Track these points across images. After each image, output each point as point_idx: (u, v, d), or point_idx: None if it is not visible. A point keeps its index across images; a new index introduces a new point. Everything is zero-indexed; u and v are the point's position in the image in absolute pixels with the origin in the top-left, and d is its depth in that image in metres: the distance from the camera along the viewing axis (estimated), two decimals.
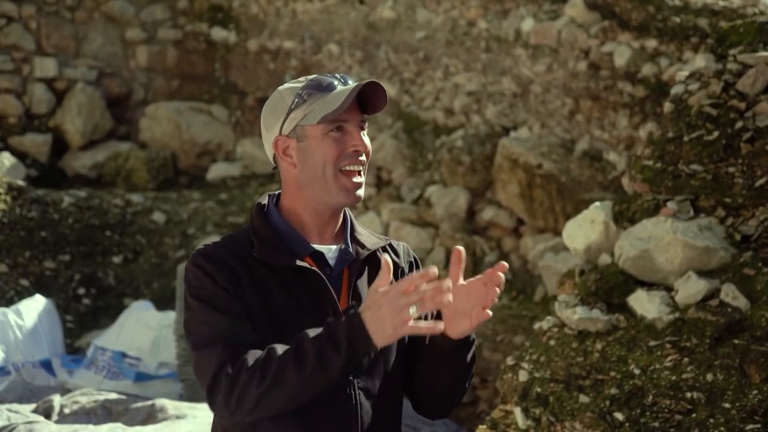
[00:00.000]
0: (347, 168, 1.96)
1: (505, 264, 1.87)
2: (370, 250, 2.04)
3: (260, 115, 2.08)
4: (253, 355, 1.83)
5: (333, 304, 1.96)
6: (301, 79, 2.00)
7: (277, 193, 2.10)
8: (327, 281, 1.96)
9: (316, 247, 2.00)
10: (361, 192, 1.99)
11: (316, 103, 1.94)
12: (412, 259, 2.15)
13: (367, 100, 1.97)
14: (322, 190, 1.96)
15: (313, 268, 1.96)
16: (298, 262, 1.95)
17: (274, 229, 2.01)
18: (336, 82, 1.97)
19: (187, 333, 1.93)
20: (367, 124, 2.01)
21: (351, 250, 2.02)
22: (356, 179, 1.97)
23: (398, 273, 2.10)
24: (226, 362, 1.82)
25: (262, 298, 1.93)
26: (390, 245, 2.13)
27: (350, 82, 1.99)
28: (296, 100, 1.96)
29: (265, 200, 2.06)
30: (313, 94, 1.95)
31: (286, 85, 2.00)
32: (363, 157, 1.98)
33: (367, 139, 1.99)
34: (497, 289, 1.85)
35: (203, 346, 1.87)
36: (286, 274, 1.96)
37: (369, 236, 2.09)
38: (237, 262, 1.93)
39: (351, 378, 1.96)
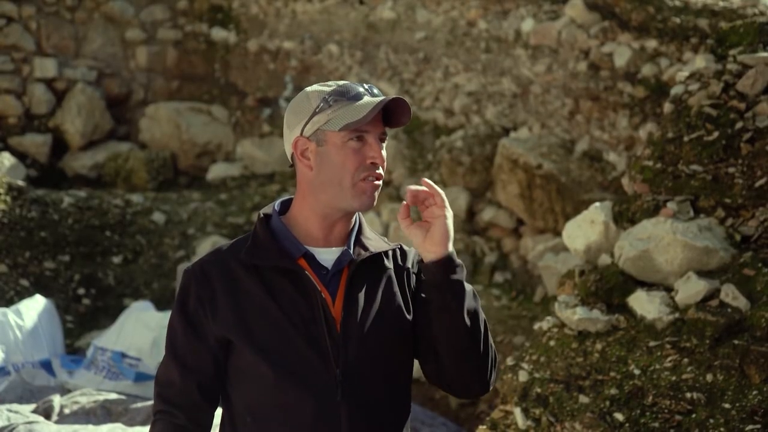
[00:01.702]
0: (365, 178, 1.97)
1: (411, 187, 1.95)
2: (371, 253, 2.04)
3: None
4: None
5: (323, 304, 1.96)
6: (330, 83, 2.02)
7: (286, 198, 2.12)
8: (315, 281, 1.97)
9: (312, 249, 2.01)
10: (375, 195, 2.00)
11: (340, 110, 1.96)
12: (419, 258, 2.14)
13: (391, 114, 1.99)
14: (336, 196, 1.98)
15: (302, 268, 1.97)
16: (284, 263, 1.97)
17: (270, 233, 2.02)
18: (363, 92, 1.98)
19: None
20: (387, 136, 2.02)
21: (352, 252, 2.02)
22: (375, 182, 1.99)
23: (404, 275, 2.10)
24: (158, 402, 2.04)
25: (240, 304, 1.97)
26: (400, 249, 2.14)
27: (376, 92, 2.00)
28: (321, 104, 1.97)
29: (269, 210, 2.08)
30: (339, 101, 1.96)
31: (314, 87, 2.02)
32: (380, 170, 1.99)
33: (384, 152, 2.00)
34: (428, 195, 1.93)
35: (165, 354, 2.06)
36: (274, 276, 1.98)
37: (377, 241, 2.10)
38: (221, 272, 2.00)
39: (337, 375, 1.96)
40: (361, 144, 1.97)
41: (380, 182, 2.01)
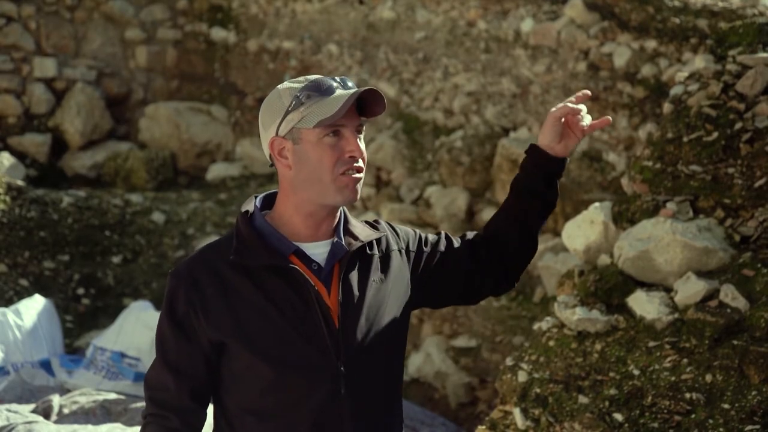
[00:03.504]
0: (344, 172, 1.96)
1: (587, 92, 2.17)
2: (362, 242, 2.03)
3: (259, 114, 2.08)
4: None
5: (319, 299, 1.95)
6: (301, 79, 2.00)
7: (264, 194, 2.10)
8: (308, 276, 1.96)
9: (300, 245, 1.99)
10: (358, 186, 1.98)
11: (313, 106, 1.93)
12: (412, 233, 2.19)
13: (365, 104, 1.97)
14: (318, 193, 1.96)
15: (293, 265, 1.96)
16: (275, 261, 1.95)
17: (256, 231, 2.00)
18: (335, 85, 1.96)
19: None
20: (364, 127, 2.00)
21: (343, 243, 2.02)
22: (354, 175, 1.97)
23: (400, 255, 2.10)
24: (150, 405, 2.02)
25: (234, 307, 1.95)
26: (392, 229, 2.15)
27: (349, 84, 1.98)
28: (294, 102, 1.95)
29: (249, 206, 2.06)
30: (311, 97, 1.94)
31: (285, 85, 1.99)
32: (359, 163, 1.97)
33: (362, 144, 1.98)
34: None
35: (155, 359, 2.05)
36: (266, 275, 1.96)
37: (363, 228, 2.09)
38: (210, 275, 1.97)
39: (339, 368, 1.96)
40: (337, 139, 1.94)
41: (361, 175, 1.99)
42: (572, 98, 2.16)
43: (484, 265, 2.20)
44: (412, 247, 2.15)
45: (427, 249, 2.17)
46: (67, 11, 8.92)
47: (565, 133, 2.16)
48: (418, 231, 2.21)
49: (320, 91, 1.95)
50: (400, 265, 2.10)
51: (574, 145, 2.18)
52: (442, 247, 2.19)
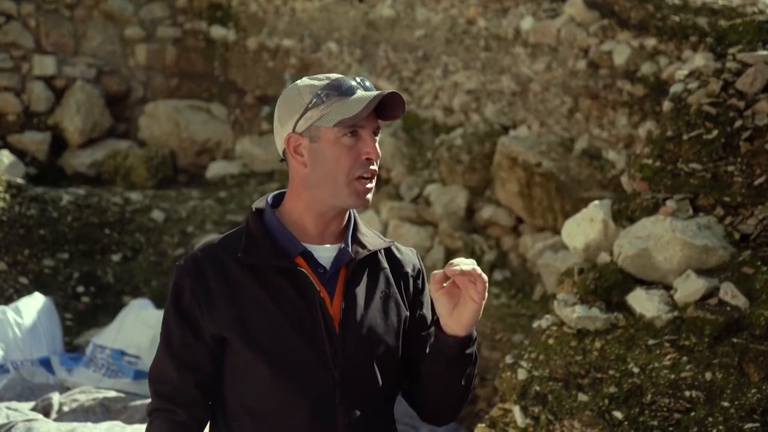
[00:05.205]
0: (360, 176, 1.95)
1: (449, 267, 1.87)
2: (369, 251, 2.03)
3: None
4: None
5: (321, 304, 1.95)
6: (321, 76, 1.98)
7: (277, 192, 2.09)
8: (314, 280, 1.95)
9: (308, 246, 1.98)
10: (369, 196, 1.98)
11: (334, 105, 1.93)
12: (419, 266, 2.14)
13: (384, 107, 1.96)
14: (331, 193, 1.95)
15: (300, 267, 1.95)
16: (282, 262, 1.95)
17: (265, 229, 2.00)
18: (356, 86, 1.95)
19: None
20: (380, 130, 2.00)
21: (350, 250, 2.01)
22: (368, 185, 1.97)
23: (402, 276, 2.08)
24: (156, 399, 2.02)
25: (236, 302, 1.95)
26: (396, 247, 2.12)
27: (368, 84, 1.98)
28: (314, 99, 1.94)
29: (262, 204, 2.05)
30: (332, 96, 1.93)
31: (305, 81, 1.98)
32: (374, 166, 1.97)
33: (378, 146, 1.98)
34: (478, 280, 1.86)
35: (159, 351, 2.03)
36: (271, 274, 1.95)
37: (373, 237, 2.07)
38: (215, 268, 1.97)
39: (335, 375, 1.95)
40: (355, 139, 1.94)
41: (374, 183, 1.98)
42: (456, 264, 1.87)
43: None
44: (413, 273, 2.12)
45: (419, 289, 2.12)
46: (66, 9, 8.92)
47: (458, 298, 1.90)
48: (422, 265, 2.16)
49: (341, 90, 1.94)
50: (404, 284, 2.09)
51: (470, 314, 1.88)
52: (420, 308, 2.11)
